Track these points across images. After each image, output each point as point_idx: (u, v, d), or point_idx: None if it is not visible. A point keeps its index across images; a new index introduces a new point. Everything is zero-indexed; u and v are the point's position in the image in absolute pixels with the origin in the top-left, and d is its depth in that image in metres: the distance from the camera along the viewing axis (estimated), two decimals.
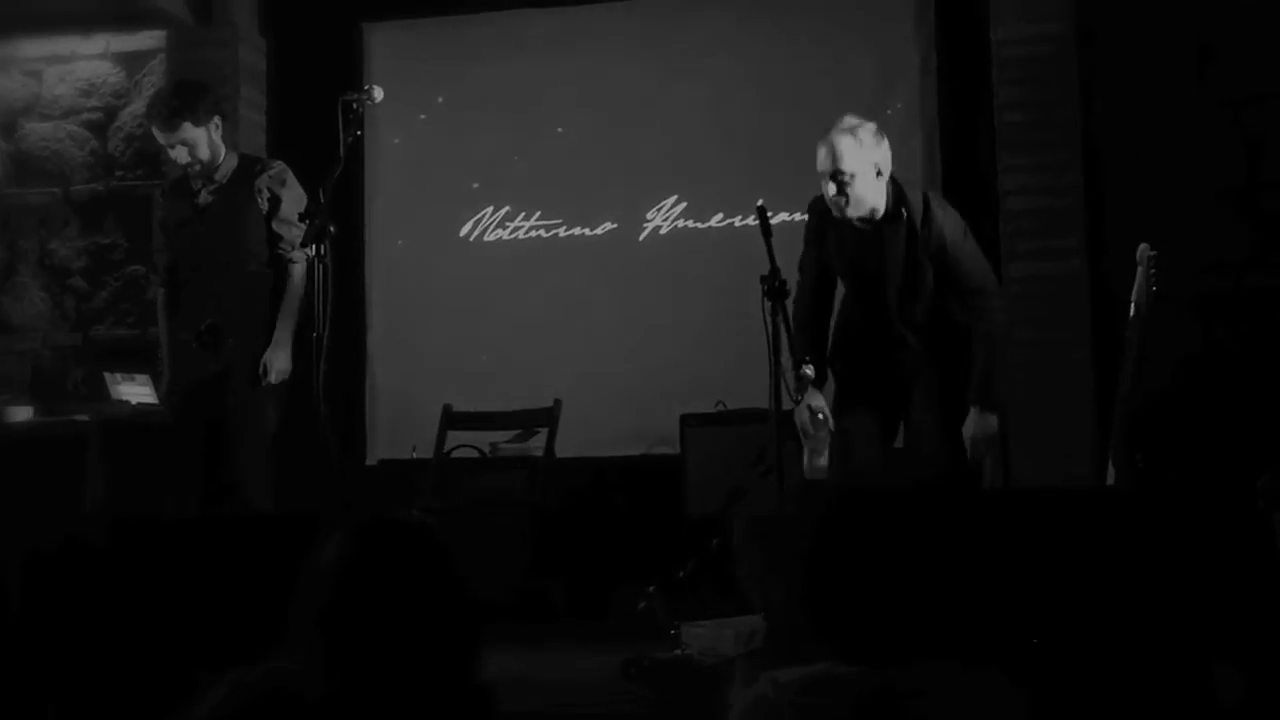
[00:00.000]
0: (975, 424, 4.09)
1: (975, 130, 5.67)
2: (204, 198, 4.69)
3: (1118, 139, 5.48)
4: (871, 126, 4.10)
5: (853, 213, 4.10)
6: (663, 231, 6.16)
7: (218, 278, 4.64)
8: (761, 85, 6.05)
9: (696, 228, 6.12)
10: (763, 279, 3.89)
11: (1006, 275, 5.48)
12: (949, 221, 4.13)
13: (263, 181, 4.66)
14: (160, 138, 4.62)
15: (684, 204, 6.13)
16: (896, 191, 4.12)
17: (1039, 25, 5.53)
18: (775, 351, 3.88)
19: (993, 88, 5.59)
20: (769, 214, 4.04)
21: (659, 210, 6.15)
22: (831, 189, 4.06)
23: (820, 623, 1.85)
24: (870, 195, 4.09)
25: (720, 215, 6.08)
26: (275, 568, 2.05)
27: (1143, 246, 3.83)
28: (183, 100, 4.59)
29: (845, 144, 4.04)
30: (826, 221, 4.23)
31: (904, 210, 4.10)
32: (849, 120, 4.11)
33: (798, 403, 4.04)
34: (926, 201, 4.13)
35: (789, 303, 3.93)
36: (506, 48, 6.32)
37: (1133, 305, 3.80)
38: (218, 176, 4.67)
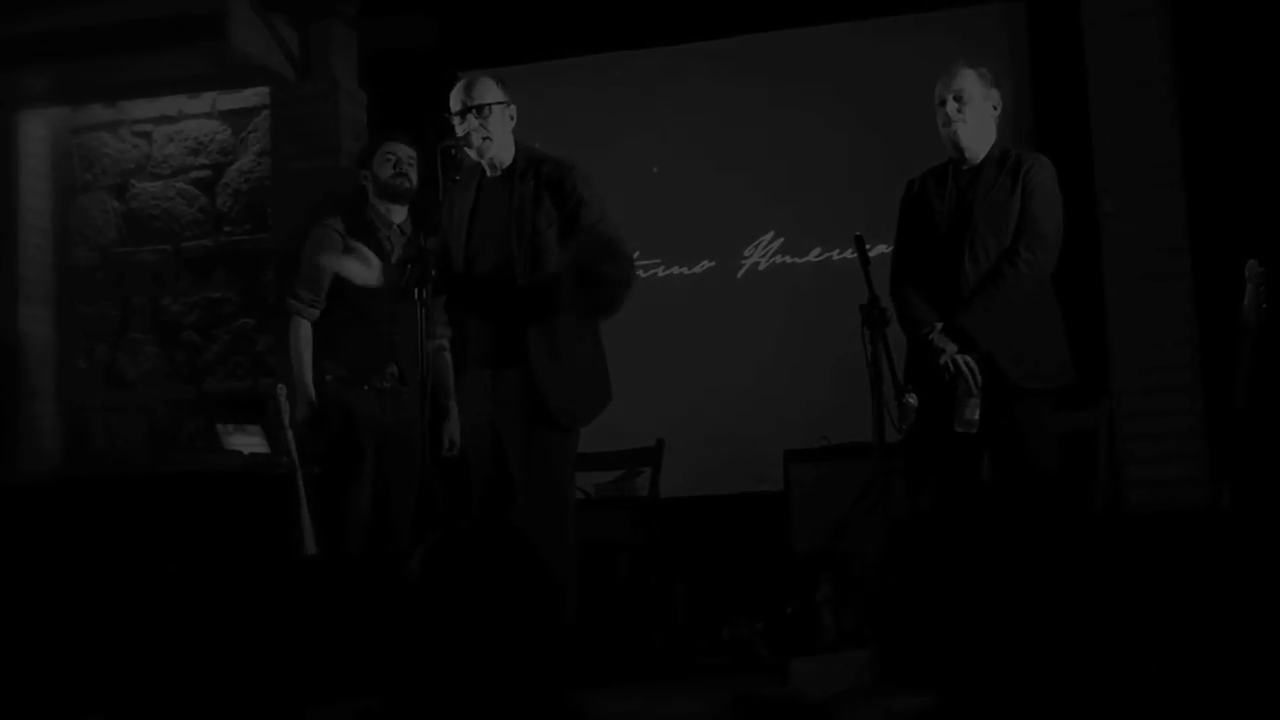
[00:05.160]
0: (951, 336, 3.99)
1: (1072, 152, 5.60)
2: None
3: (1220, 154, 5.39)
4: (986, 70, 4.17)
5: (965, 140, 4.07)
6: (761, 268, 6.16)
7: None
8: (854, 118, 6.05)
9: (794, 263, 6.11)
10: (862, 308, 3.88)
11: (1110, 298, 5.42)
12: (1048, 168, 4.12)
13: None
14: None
15: (781, 239, 6.13)
16: (1002, 141, 4.17)
17: (1135, 42, 5.47)
18: (877, 381, 3.86)
19: (1090, 111, 5.53)
20: (867, 245, 4.04)
21: (756, 247, 6.16)
22: (953, 108, 4.06)
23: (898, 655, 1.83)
24: (984, 128, 4.10)
25: (818, 249, 6.07)
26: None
27: (1251, 262, 3.77)
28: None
29: (966, 72, 4.10)
30: (920, 189, 4.22)
31: (1010, 150, 4.14)
32: (967, 60, 4.16)
33: (901, 429, 3.97)
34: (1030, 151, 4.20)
35: (889, 330, 3.91)
36: (598, 90, 6.38)
37: (1243, 322, 3.73)
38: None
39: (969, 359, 3.92)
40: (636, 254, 6.19)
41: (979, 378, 3.91)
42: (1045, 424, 4.03)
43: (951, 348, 3.95)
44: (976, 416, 3.89)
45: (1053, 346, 4.05)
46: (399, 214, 4.82)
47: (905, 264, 4.18)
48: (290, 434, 4.84)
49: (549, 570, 1.91)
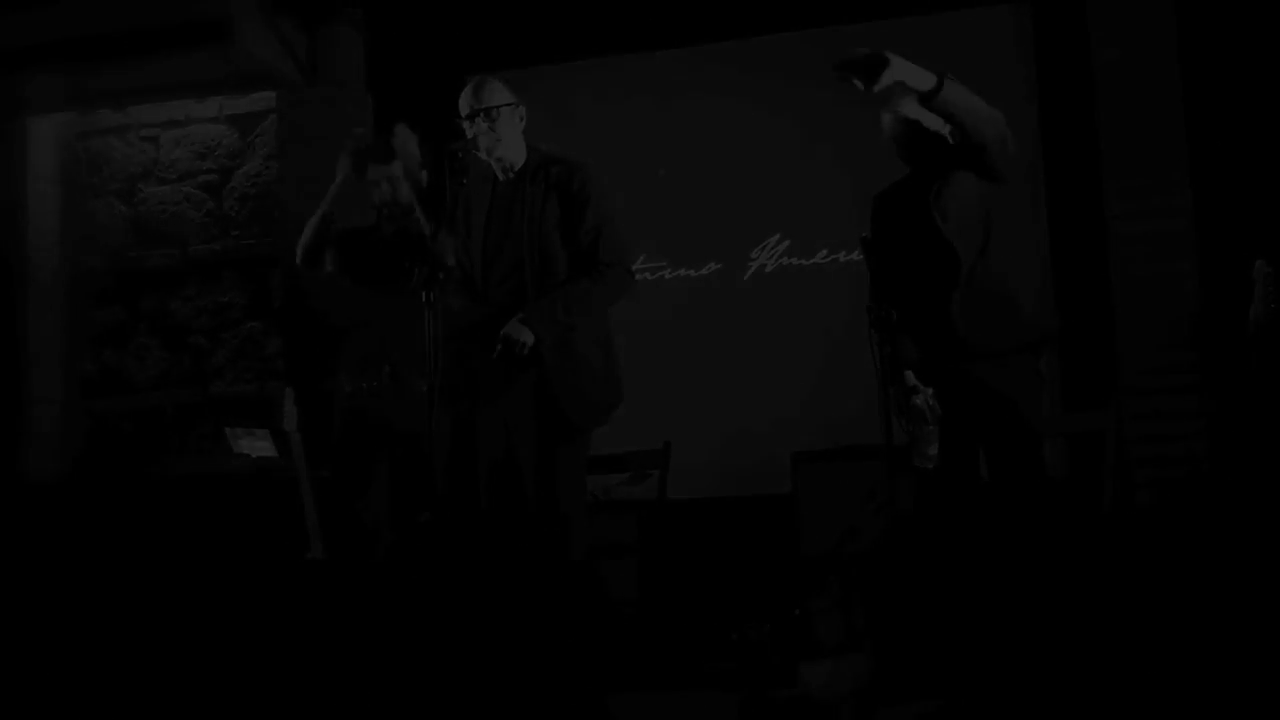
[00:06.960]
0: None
1: (1079, 154, 5.60)
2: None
3: (1227, 155, 5.39)
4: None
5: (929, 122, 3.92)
6: (767, 270, 6.17)
7: None
8: (859, 119, 6.02)
9: (801, 264, 6.12)
10: (869, 309, 3.87)
11: (1118, 299, 5.42)
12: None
13: None
14: None
15: (787, 241, 6.13)
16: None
17: (1141, 44, 5.47)
18: (884, 383, 3.85)
19: (1096, 110, 5.53)
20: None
21: (763, 248, 6.16)
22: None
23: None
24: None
25: (824, 251, 6.07)
26: None
27: (1259, 262, 3.76)
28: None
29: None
30: (884, 209, 4.13)
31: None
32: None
33: (908, 430, 3.95)
34: None
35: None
36: (605, 93, 6.39)
37: (1251, 323, 3.73)
38: None
39: (931, 396, 3.87)
40: (643, 257, 6.24)
41: (939, 412, 3.85)
42: (1035, 387, 3.90)
43: (926, 391, 3.90)
44: (935, 451, 3.86)
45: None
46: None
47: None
48: (296, 437, 4.85)
49: (519, 561, 1.91)
